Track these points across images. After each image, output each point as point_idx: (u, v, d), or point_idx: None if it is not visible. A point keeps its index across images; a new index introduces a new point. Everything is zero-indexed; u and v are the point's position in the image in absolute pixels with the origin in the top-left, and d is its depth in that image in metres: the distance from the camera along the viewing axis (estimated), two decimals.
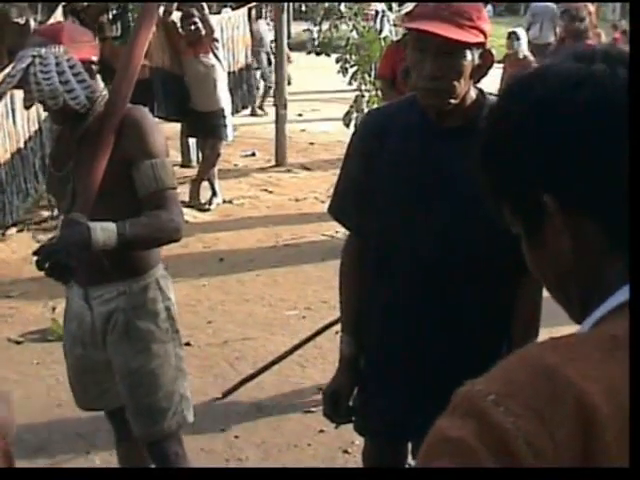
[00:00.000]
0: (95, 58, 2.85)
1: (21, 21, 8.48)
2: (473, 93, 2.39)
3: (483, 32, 2.27)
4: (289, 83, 15.80)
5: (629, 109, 0.99)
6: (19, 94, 7.33)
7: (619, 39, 12.74)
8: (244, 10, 10.46)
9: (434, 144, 2.39)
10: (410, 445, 2.85)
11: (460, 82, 2.28)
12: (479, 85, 2.43)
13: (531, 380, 0.91)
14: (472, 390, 0.92)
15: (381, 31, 8.89)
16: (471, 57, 2.27)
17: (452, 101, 2.31)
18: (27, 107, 2.94)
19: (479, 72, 2.32)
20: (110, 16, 9.92)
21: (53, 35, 2.78)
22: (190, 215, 8.03)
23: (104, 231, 2.67)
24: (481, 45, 2.28)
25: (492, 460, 0.87)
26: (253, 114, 13.27)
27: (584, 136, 1.00)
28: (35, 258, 2.70)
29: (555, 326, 3.46)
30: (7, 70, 2.72)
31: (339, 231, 6.32)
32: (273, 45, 11.24)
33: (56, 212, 2.96)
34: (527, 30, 17.07)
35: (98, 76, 2.91)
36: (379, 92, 8.22)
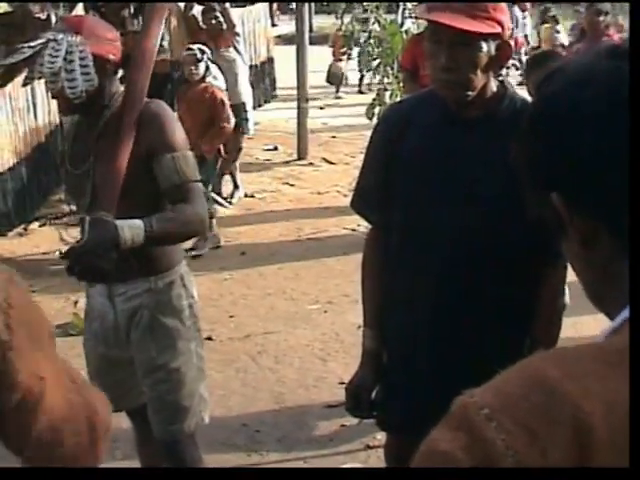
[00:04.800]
0: (113, 57, 2.79)
1: (42, 16, 8.50)
2: (493, 85, 2.36)
3: (500, 23, 2.23)
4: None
5: (630, 109, 0.94)
6: (41, 88, 7.40)
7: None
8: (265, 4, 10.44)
9: (454, 136, 2.37)
10: None
11: (476, 74, 2.25)
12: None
13: (527, 394, 0.87)
14: (467, 402, 0.90)
15: (402, 24, 8.85)
16: (486, 48, 2.23)
17: (469, 93, 2.28)
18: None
19: (496, 64, 2.29)
20: (132, 10, 9.90)
21: (74, 25, 2.80)
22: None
23: (131, 229, 2.64)
24: (498, 36, 2.25)
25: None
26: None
27: (586, 135, 0.96)
28: (65, 262, 2.66)
29: (580, 315, 3.40)
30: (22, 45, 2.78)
31: (361, 225, 6.30)
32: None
33: (74, 208, 2.92)
34: None
35: (117, 76, 2.89)
36: (401, 85, 8.18)
